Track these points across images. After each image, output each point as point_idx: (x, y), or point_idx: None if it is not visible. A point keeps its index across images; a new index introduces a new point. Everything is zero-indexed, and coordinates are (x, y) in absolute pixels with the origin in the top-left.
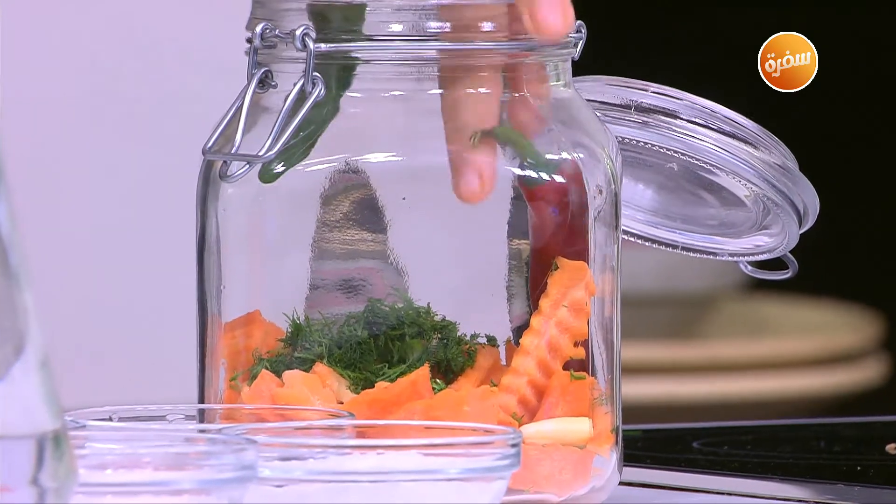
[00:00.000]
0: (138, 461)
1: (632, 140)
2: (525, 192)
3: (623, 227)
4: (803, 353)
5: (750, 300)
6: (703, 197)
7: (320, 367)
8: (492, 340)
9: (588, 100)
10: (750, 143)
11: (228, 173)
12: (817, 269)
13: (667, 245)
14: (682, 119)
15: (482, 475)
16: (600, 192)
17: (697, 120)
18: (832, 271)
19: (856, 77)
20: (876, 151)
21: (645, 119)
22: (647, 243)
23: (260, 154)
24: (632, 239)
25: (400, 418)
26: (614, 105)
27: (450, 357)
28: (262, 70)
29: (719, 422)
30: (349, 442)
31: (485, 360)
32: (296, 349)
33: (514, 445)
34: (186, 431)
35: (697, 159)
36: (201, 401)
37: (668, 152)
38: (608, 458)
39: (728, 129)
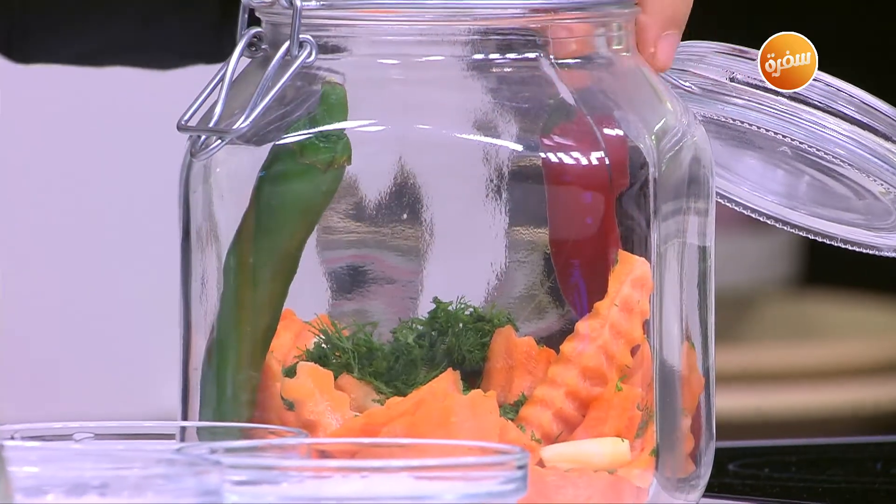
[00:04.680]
0: (84, 485)
1: (735, 120)
2: (547, 173)
3: (756, 209)
4: (858, 361)
5: (796, 299)
6: (830, 186)
7: (345, 378)
8: (541, 341)
9: (681, 70)
10: (882, 135)
11: (201, 147)
12: (874, 264)
13: (823, 236)
14: (800, 101)
15: (483, 501)
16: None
17: (818, 101)
18: (891, 266)
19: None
20: None
21: (749, 97)
22: (799, 231)
23: (235, 126)
24: (778, 224)
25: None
26: (710, 79)
27: (465, 352)
28: (253, 31)
29: (759, 440)
30: (329, 463)
31: (502, 354)
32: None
33: (520, 467)
34: (142, 451)
35: (818, 149)
36: (184, 410)
37: (777, 136)
38: (646, 484)
39: (858, 115)
